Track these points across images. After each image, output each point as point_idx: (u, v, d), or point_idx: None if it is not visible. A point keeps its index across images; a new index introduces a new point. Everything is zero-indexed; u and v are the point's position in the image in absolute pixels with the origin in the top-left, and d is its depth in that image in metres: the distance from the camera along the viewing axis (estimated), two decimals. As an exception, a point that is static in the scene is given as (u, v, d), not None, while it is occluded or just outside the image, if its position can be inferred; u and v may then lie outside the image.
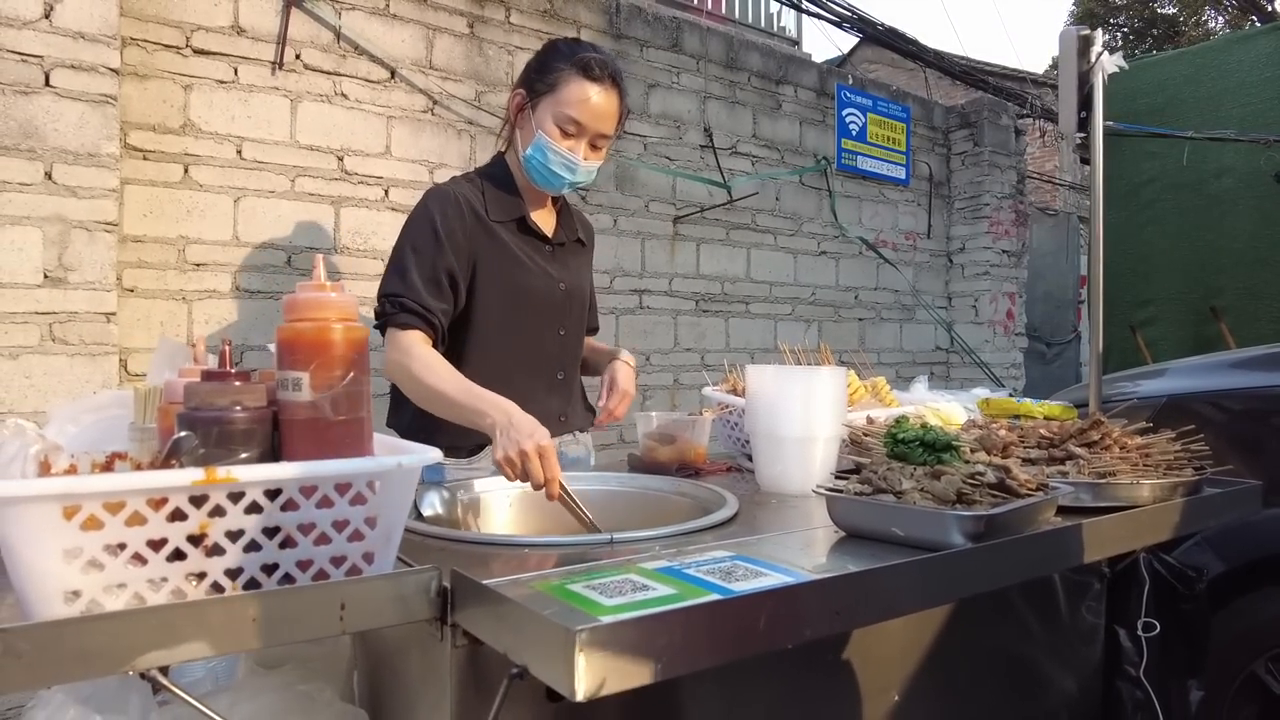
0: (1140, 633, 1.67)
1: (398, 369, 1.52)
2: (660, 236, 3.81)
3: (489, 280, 1.64)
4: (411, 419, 1.64)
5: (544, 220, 1.75)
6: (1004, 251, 5.12)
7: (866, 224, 4.70)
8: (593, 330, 1.98)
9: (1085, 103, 1.95)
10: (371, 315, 1.59)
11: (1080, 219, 8.79)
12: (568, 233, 1.79)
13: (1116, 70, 1.86)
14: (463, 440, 1.61)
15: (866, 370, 2.11)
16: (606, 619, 0.71)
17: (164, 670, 0.78)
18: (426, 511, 1.32)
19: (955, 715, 1.40)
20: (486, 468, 1.65)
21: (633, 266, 3.72)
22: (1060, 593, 1.60)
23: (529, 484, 1.28)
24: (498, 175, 1.72)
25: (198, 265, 2.59)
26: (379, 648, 1.09)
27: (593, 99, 1.59)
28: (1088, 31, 1.91)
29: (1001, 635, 1.48)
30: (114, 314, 2.23)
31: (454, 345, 1.63)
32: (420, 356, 1.49)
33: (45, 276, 2.13)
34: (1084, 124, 1.97)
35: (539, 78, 1.63)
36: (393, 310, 1.53)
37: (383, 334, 1.56)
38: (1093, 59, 1.89)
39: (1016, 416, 1.91)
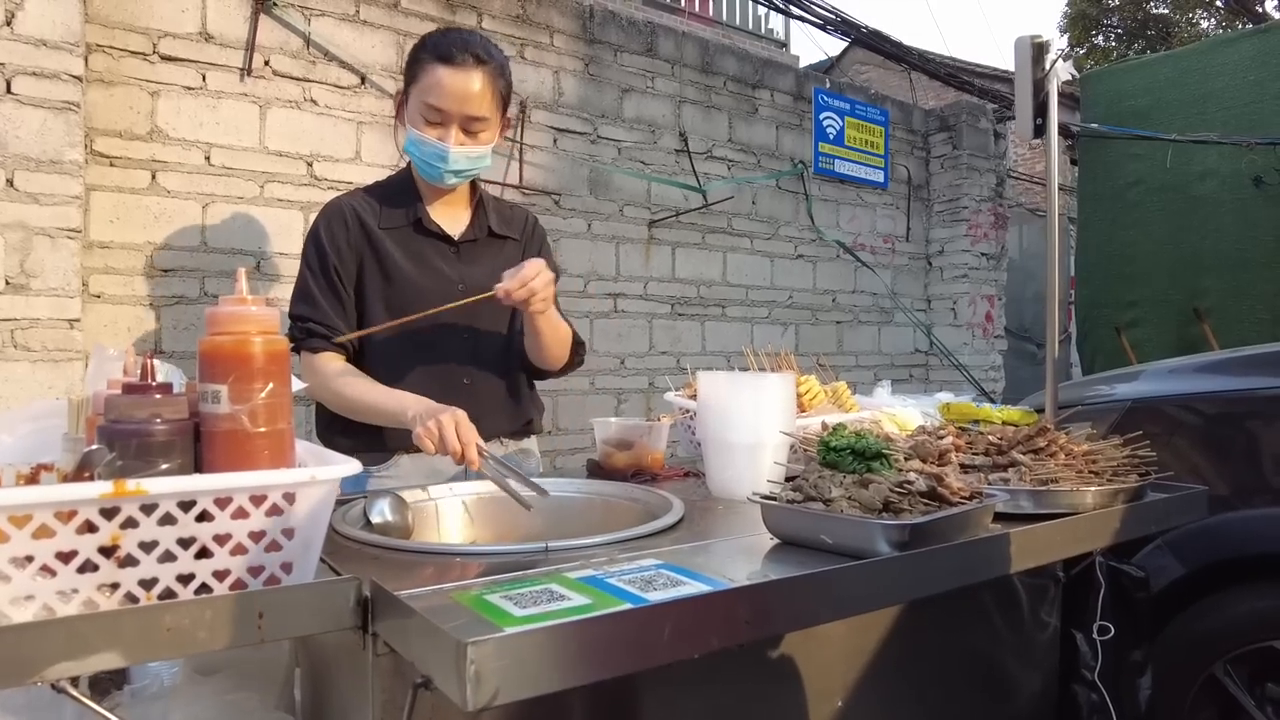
0: (1096, 635, 1.68)
1: (322, 390, 1.59)
2: (635, 240, 3.82)
3: (374, 288, 1.64)
4: (326, 426, 1.69)
5: (449, 219, 1.71)
6: (983, 254, 5.14)
7: (844, 227, 4.71)
8: None
9: (1041, 109, 1.96)
10: None
11: (1070, 220, 8.82)
12: (479, 230, 1.73)
13: (1070, 78, 1.88)
14: (373, 446, 1.63)
15: (836, 374, 2.12)
16: (509, 630, 0.72)
17: (75, 681, 0.79)
18: (375, 519, 1.32)
19: (903, 718, 1.41)
20: (396, 475, 1.65)
21: (607, 270, 3.73)
22: (1014, 596, 1.61)
23: (451, 457, 1.37)
24: (396, 181, 1.72)
25: (165, 271, 2.59)
26: (317, 655, 1.10)
27: (451, 83, 1.55)
28: (1042, 39, 1.93)
29: (953, 638, 1.49)
30: (78, 320, 2.23)
31: (356, 355, 1.65)
32: (339, 375, 1.57)
33: (7, 283, 2.13)
34: (1041, 130, 1.99)
35: (406, 71, 1.63)
36: (301, 335, 1.58)
37: (297, 354, 1.57)
38: (1047, 66, 1.91)
39: (975, 421, 1.92)
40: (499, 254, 1.76)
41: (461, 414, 1.39)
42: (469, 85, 1.56)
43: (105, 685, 1.06)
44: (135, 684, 1.09)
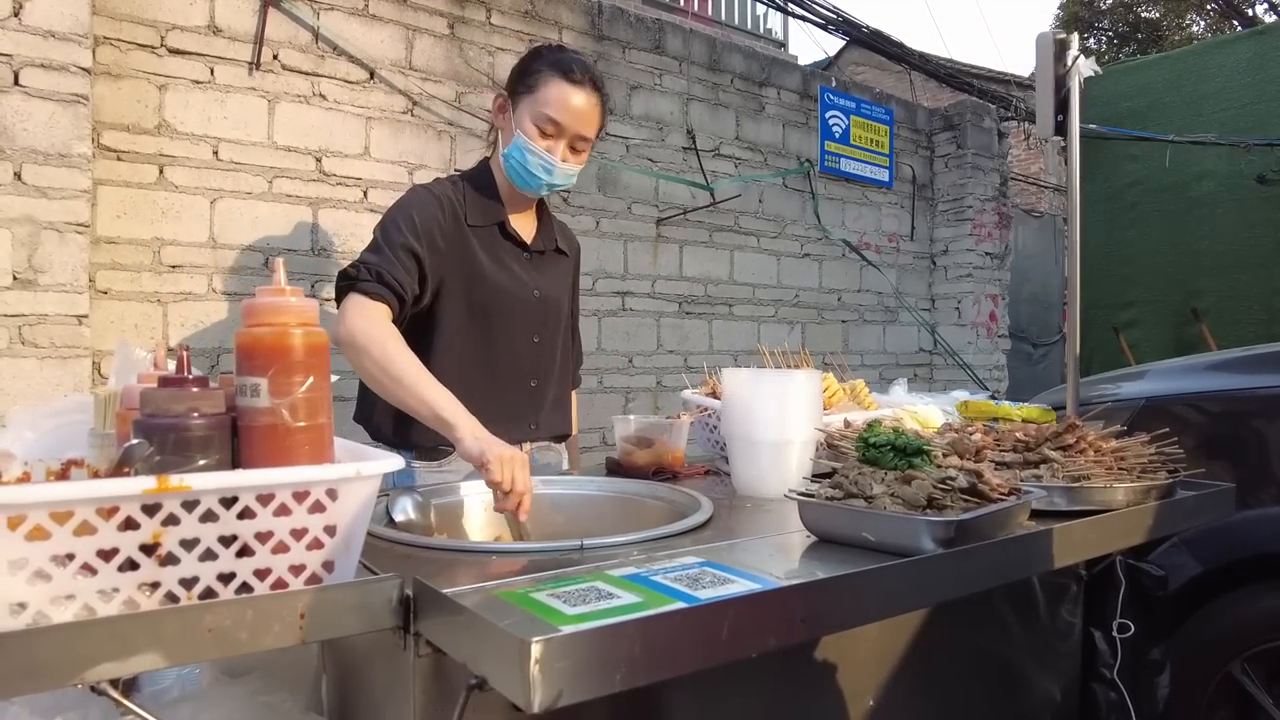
0: (1115, 634, 1.67)
1: (360, 336, 1.44)
2: (643, 238, 3.80)
3: (461, 283, 1.63)
4: (383, 413, 1.64)
5: (523, 226, 1.76)
6: (987, 254, 5.14)
7: (849, 226, 4.70)
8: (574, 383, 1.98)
9: (1062, 106, 1.95)
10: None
11: (1065, 221, 8.85)
12: (546, 241, 1.80)
13: (1092, 74, 1.86)
14: (432, 440, 1.60)
15: (850, 372, 2.11)
16: (566, 629, 0.70)
17: (115, 683, 0.77)
18: (399, 517, 1.30)
19: (933, 717, 1.40)
20: (458, 470, 1.64)
21: (615, 268, 3.71)
22: (1038, 595, 1.60)
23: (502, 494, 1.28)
24: (479, 179, 1.72)
25: (173, 267, 2.56)
26: (346, 656, 1.08)
27: (572, 100, 1.59)
28: (1064, 35, 1.92)
29: (979, 637, 1.48)
30: (86, 316, 2.20)
31: (422, 345, 1.60)
32: (392, 330, 1.47)
33: (14, 278, 2.10)
34: (1061, 127, 1.98)
35: (519, 79, 1.64)
36: (367, 276, 1.49)
37: (340, 297, 1.52)
38: (1069, 63, 1.90)
39: (994, 419, 1.91)
40: (558, 266, 1.84)
41: (525, 458, 1.31)
42: (588, 106, 1.62)
43: (120, 688, 1.03)
44: (149, 688, 1.07)
